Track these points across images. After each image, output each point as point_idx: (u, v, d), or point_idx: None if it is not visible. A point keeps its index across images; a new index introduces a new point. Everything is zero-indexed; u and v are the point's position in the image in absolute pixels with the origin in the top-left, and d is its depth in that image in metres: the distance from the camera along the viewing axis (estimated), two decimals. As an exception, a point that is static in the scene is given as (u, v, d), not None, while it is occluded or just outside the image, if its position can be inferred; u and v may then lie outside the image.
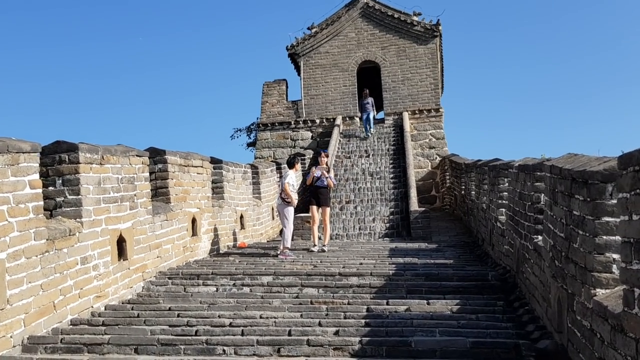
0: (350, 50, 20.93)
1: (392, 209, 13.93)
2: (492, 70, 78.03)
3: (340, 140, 19.30)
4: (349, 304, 6.16)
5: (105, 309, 6.21)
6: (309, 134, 20.97)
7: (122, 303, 6.52)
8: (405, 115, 19.90)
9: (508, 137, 64.24)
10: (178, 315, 5.81)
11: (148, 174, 7.62)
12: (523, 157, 7.70)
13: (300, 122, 21.00)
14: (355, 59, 20.85)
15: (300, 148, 20.60)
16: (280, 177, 15.28)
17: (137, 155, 7.24)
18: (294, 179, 9.68)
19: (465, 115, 59.60)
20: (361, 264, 8.12)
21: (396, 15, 20.61)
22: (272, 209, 13.59)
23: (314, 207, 10.07)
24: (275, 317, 5.63)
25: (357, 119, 20.25)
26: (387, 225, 13.09)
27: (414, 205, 13.13)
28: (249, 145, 24.84)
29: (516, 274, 6.82)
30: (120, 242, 6.74)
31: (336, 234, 12.90)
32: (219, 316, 5.74)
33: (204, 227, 9.43)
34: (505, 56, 79.55)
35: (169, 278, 7.51)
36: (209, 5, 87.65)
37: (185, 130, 74.56)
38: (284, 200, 9.47)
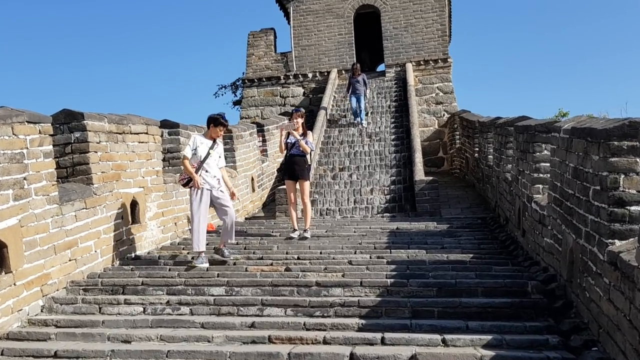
0: (346, -7, 18.37)
1: (394, 177, 11.79)
2: (505, 20, 72.61)
3: (334, 97, 17.00)
4: (324, 341, 4.11)
5: (-36, 354, 4.20)
6: (301, 90, 18.63)
7: (-3, 339, 4.50)
8: (409, 66, 17.49)
9: (519, 94, 60.18)
10: (56, 374, 3.79)
11: (51, 146, 5.48)
12: (574, 116, 5.54)
13: (291, 77, 18.62)
14: (352, 3, 18.28)
15: (291, 106, 18.27)
16: (264, 140, 13.17)
17: (27, 122, 5.10)
18: (203, 146, 6.40)
19: (473, 68, 55.95)
20: (350, 262, 6.05)
21: (398, -49, 17.96)
22: (252, 179, 11.50)
23: (290, 182, 7.95)
24: (204, 379, 3.60)
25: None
26: (388, 197, 10.98)
27: (420, 173, 10.98)
28: (234, 103, 22.51)
29: (568, 283, 4.76)
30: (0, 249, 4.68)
31: (327, 209, 10.82)
32: (118, 375, 3.72)
33: (151, 210, 7.35)
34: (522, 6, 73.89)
35: (85, 290, 5.48)
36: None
37: (164, 90, 67.44)
38: (181, 181, 6.53)
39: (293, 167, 7.90)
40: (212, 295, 5.14)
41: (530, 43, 70.24)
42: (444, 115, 17.27)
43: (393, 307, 4.67)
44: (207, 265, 6.08)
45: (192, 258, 6.35)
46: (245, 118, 18.25)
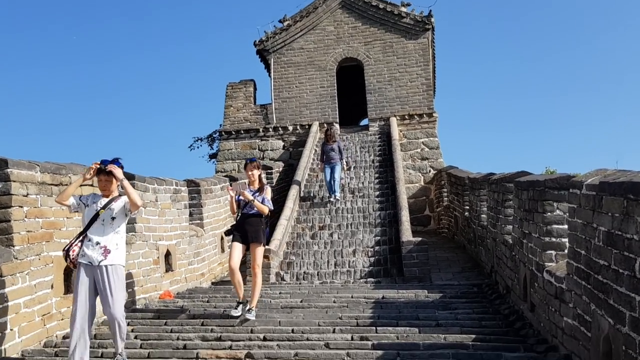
0: (328, 46, 17.89)
1: (378, 237, 10.77)
2: (489, 68, 73.09)
3: (315, 150, 16.16)
4: None
5: None
6: (281, 143, 17.81)
7: None
8: (393, 120, 16.84)
9: (509, 145, 59.69)
10: None
11: (-44, 200, 4.42)
12: (594, 169, 4.61)
13: (270, 130, 17.84)
14: (335, 56, 17.81)
15: (270, 159, 17.46)
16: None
17: None
18: (92, 207, 4.80)
19: (459, 120, 55.75)
20: (327, 345, 4.94)
21: (381, 6, 17.63)
22: (222, 238, 10.39)
23: (238, 245, 6.44)
24: None
25: (337, 126, 16.90)
26: (372, 260, 9.91)
27: (407, 232, 9.98)
28: (210, 157, 21.57)
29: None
30: None
31: (304, 272, 9.70)
32: None
33: (93, 277, 6.19)
34: (505, 53, 74.49)
35: (-13, 384, 4.29)
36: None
37: (135, 140, 64.49)
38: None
39: (245, 228, 6.45)
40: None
41: (515, 103, 71.08)
42: (429, 171, 16.49)
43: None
44: None
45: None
46: (221, 172, 17.27)
